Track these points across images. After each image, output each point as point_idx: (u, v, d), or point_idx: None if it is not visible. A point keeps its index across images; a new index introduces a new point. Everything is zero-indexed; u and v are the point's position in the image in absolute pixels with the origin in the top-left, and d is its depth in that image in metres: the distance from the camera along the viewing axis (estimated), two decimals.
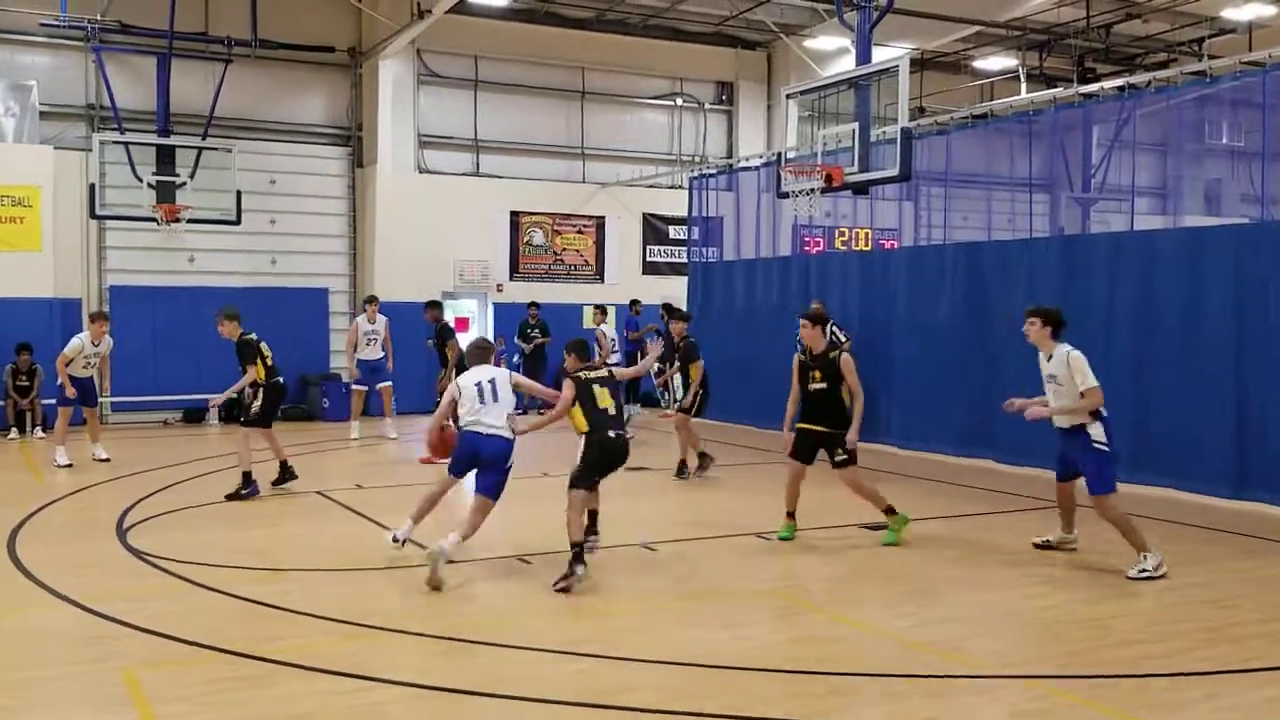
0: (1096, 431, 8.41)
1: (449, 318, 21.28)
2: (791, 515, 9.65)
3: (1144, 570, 8.25)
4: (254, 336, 11.71)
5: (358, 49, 20.56)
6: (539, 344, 20.24)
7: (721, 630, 6.92)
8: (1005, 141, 16.52)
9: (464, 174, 21.62)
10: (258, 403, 11.54)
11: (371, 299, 16.67)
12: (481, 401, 8.61)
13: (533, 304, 20.62)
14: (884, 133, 12.76)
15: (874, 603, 7.63)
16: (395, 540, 8.79)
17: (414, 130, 21.12)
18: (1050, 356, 8.67)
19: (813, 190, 12.82)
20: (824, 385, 9.44)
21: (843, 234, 19.98)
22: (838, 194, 15.00)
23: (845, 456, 9.37)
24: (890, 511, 9.50)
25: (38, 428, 16.82)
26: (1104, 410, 8.49)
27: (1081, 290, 12.71)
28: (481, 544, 9.89)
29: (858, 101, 12.87)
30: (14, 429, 16.69)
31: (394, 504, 11.39)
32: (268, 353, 11.63)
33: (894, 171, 12.12)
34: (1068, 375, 8.49)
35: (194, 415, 18.98)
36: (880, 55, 13.30)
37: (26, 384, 16.84)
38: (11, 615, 7.25)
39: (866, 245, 19.43)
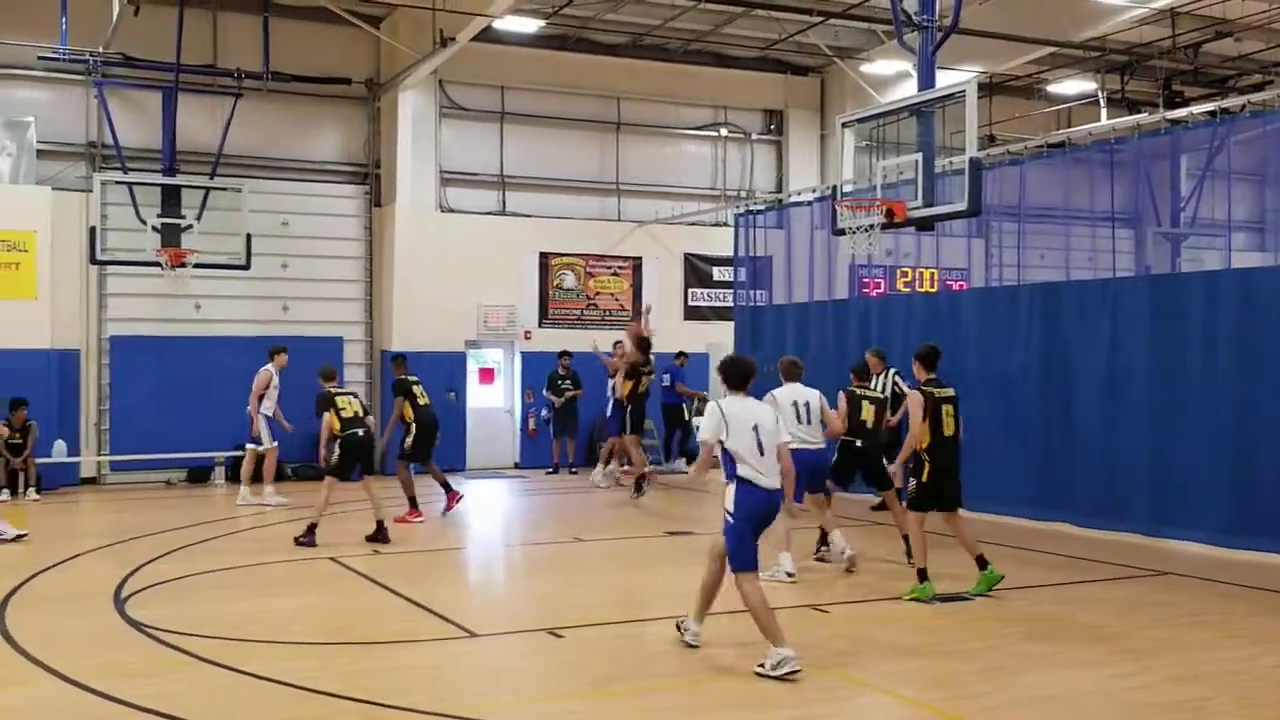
0: (727, 496, 7.87)
1: (473, 368, 21.54)
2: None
3: (762, 666, 7.58)
4: (330, 390, 13.20)
5: (376, 80, 20.93)
6: (571, 396, 20.33)
7: (774, 713, 6.89)
8: (1084, 172, 16.50)
9: (489, 213, 21.87)
10: (335, 455, 12.81)
11: (281, 349, 16.59)
12: (799, 421, 10.65)
13: (564, 353, 20.70)
14: (950, 163, 12.79)
15: (942, 682, 7.56)
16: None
17: (436, 166, 21.42)
18: None
19: (872, 227, 12.83)
20: None
21: (905, 274, 19.95)
22: (899, 231, 15.02)
23: None
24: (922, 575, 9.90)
25: (30, 488, 17.06)
26: (741, 470, 7.79)
27: (1173, 335, 12.64)
28: (509, 617, 9.92)
29: (920, 130, 12.91)
30: (5, 490, 16.92)
31: (413, 570, 11.47)
32: (343, 405, 13.00)
33: (962, 206, 12.12)
34: None
35: (199, 475, 19.18)
36: (945, 80, 13.33)
37: (20, 441, 17.08)
38: (1, 693, 7.34)
39: (932, 287, 19.36)
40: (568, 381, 20.34)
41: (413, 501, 14.53)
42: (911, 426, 10.02)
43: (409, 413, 14.65)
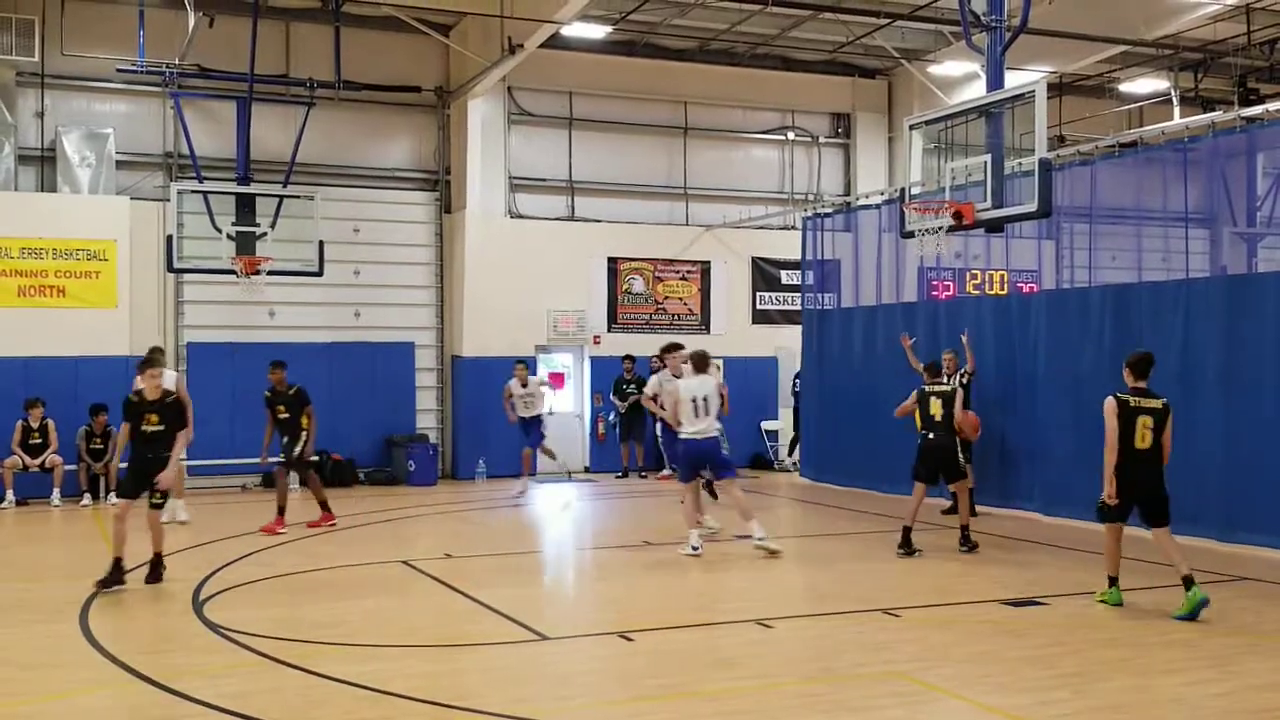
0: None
1: (542, 372, 21.56)
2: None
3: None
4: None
5: (445, 88, 21.07)
6: (636, 400, 20.27)
7: (846, 717, 6.81)
8: (1157, 172, 16.22)
9: (558, 218, 21.93)
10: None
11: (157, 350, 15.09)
12: (696, 415, 12.04)
13: (627, 357, 20.72)
14: (1020, 164, 12.62)
15: (1019, 687, 7.43)
16: (694, 549, 12.13)
17: (505, 172, 21.51)
18: None
19: (940, 229, 12.71)
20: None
21: (975, 277, 19.69)
22: (968, 233, 14.85)
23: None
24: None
25: (111, 493, 17.34)
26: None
27: (1249, 336, 12.38)
28: (580, 620, 9.92)
29: (989, 131, 12.74)
30: (86, 495, 17.23)
31: (483, 574, 11.50)
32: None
33: (1032, 207, 11.95)
34: None
35: (274, 480, 19.34)
36: (1014, 80, 13.16)
37: (101, 447, 17.40)
38: (83, 693, 7.44)
39: (1002, 289, 19.11)
40: (632, 385, 20.33)
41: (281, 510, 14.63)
42: (1107, 435, 9.53)
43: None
